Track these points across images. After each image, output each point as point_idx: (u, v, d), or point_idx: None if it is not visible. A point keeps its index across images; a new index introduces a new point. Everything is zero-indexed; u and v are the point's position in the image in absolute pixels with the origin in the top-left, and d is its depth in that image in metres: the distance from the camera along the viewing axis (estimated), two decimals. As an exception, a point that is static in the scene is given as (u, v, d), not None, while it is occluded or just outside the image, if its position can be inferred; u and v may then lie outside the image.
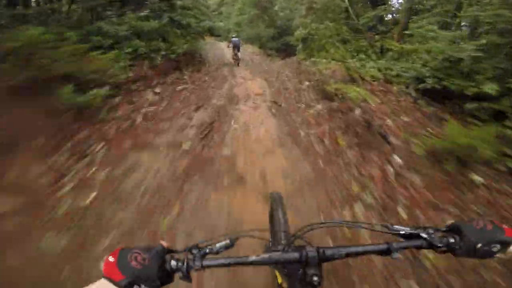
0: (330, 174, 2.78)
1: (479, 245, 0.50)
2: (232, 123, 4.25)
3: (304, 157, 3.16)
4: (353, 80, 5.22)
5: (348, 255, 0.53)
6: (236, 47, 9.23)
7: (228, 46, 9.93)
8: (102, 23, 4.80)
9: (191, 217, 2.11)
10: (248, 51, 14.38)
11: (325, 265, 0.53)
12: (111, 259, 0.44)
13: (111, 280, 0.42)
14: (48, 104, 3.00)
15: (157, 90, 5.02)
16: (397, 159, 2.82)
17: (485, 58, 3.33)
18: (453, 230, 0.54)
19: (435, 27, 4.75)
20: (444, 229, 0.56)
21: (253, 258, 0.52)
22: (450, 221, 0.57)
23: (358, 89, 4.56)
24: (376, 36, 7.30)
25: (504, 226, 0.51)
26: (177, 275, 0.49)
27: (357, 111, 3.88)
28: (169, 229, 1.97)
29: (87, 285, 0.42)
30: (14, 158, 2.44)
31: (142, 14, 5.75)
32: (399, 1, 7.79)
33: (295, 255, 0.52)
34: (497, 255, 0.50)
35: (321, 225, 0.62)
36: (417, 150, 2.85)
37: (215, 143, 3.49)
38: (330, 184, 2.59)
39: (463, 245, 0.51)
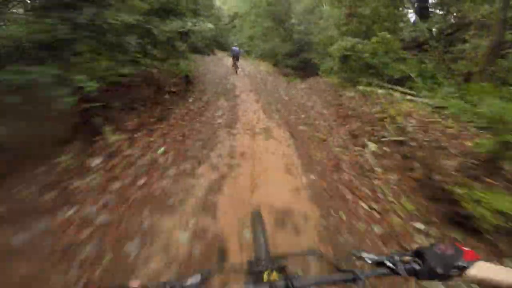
0: None
1: (439, 269, 0.52)
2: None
3: None
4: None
5: (316, 284, 0.55)
6: (236, 56, 9.78)
7: (229, 55, 10.27)
8: None
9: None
10: (260, 68, 12.35)
11: None
12: None
13: None
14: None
15: None
16: None
17: None
18: (417, 255, 0.57)
19: None
20: (409, 254, 0.58)
21: None
22: (416, 246, 0.59)
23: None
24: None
25: (464, 249, 0.53)
26: None
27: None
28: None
29: None
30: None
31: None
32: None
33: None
34: (456, 279, 0.52)
35: (292, 255, 0.76)
36: None
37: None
38: None
39: (425, 270, 0.54)
